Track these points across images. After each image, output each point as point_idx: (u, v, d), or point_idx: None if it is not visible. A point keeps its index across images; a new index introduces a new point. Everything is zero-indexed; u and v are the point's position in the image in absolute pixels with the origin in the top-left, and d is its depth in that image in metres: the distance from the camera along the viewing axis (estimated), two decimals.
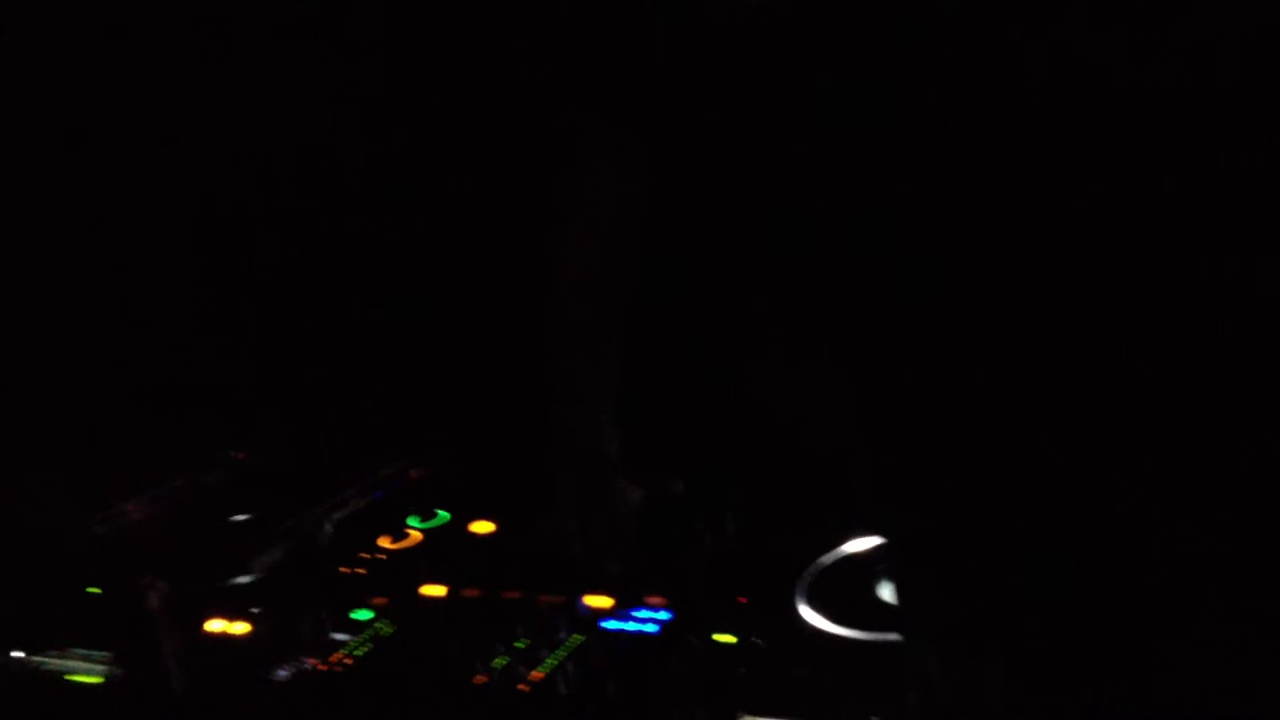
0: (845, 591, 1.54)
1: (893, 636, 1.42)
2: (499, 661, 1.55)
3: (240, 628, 1.71)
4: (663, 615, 1.57)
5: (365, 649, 1.64)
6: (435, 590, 1.73)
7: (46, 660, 1.73)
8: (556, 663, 1.53)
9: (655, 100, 1.30)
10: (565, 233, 1.45)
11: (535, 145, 1.61)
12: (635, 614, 1.58)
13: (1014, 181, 1.02)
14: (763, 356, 1.73)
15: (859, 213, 1.08)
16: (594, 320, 1.48)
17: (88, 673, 1.71)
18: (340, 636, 1.66)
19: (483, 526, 1.87)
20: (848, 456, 1.36)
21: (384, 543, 1.87)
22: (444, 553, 1.83)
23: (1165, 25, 0.97)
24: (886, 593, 1.53)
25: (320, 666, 1.62)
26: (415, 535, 1.89)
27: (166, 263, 2.09)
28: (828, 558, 1.61)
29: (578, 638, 1.57)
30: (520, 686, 1.51)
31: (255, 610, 1.73)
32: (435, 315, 2.07)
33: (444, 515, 1.92)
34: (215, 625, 1.72)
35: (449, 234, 2.00)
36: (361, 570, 1.82)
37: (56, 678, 1.71)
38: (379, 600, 1.72)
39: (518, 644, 1.57)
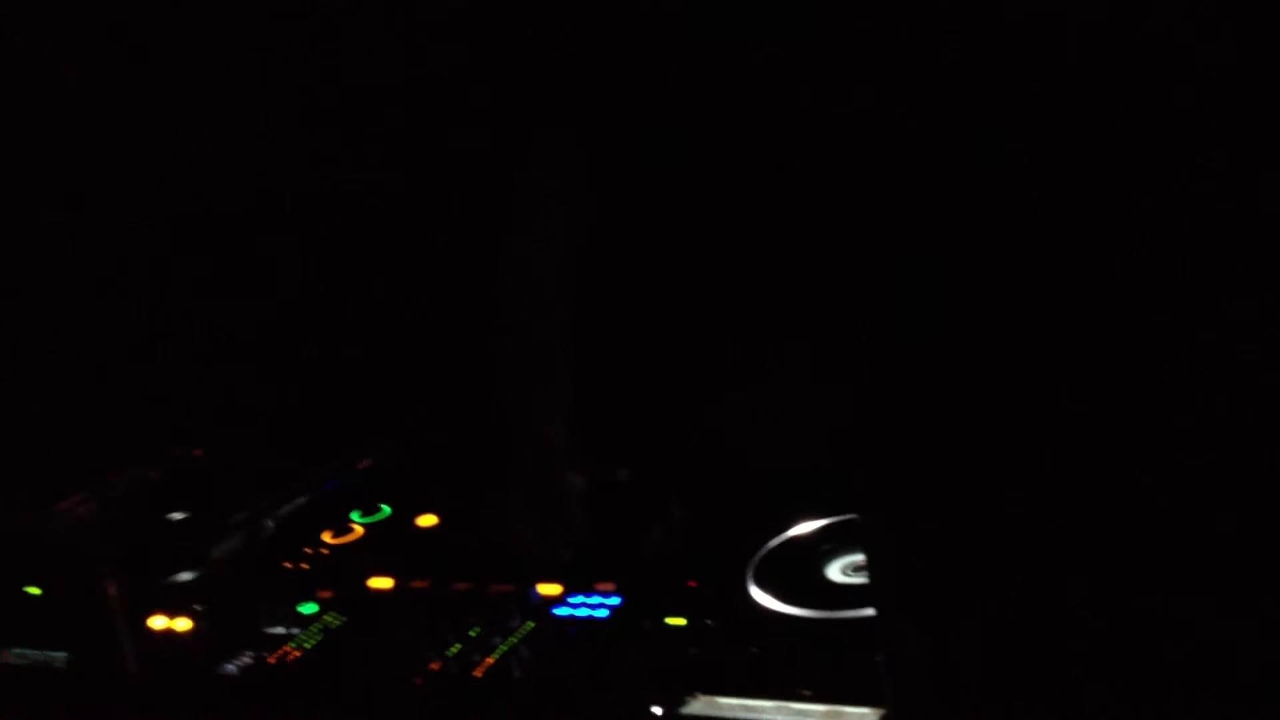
0: (794, 572, 1.56)
1: (843, 614, 1.46)
2: (453, 650, 1.55)
3: (185, 623, 1.71)
4: (613, 600, 1.59)
5: (315, 640, 1.64)
6: (383, 582, 1.73)
7: None
8: (509, 649, 1.54)
9: (624, 113, 1.31)
10: (526, 233, 1.47)
11: (500, 153, 1.62)
12: (586, 600, 1.60)
13: (1007, 184, 1.03)
14: (710, 348, 1.75)
15: (854, 216, 1.09)
16: (551, 314, 1.50)
17: (30, 669, 1.69)
18: (289, 630, 1.66)
19: (427, 520, 1.88)
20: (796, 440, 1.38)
21: (326, 537, 1.87)
22: (389, 546, 1.83)
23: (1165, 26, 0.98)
24: (834, 572, 1.56)
25: (270, 659, 1.62)
26: (358, 530, 1.89)
27: (105, 263, 2.07)
28: (776, 540, 1.63)
29: (530, 625, 1.58)
30: (475, 673, 1.52)
31: (199, 606, 1.73)
32: (381, 309, 2.07)
33: (386, 510, 1.92)
34: (159, 621, 1.72)
35: (399, 232, 2.00)
36: (305, 565, 1.82)
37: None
38: (324, 594, 1.72)
39: (470, 632, 1.58)
